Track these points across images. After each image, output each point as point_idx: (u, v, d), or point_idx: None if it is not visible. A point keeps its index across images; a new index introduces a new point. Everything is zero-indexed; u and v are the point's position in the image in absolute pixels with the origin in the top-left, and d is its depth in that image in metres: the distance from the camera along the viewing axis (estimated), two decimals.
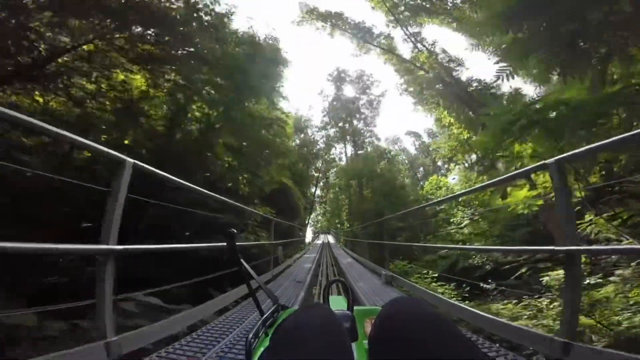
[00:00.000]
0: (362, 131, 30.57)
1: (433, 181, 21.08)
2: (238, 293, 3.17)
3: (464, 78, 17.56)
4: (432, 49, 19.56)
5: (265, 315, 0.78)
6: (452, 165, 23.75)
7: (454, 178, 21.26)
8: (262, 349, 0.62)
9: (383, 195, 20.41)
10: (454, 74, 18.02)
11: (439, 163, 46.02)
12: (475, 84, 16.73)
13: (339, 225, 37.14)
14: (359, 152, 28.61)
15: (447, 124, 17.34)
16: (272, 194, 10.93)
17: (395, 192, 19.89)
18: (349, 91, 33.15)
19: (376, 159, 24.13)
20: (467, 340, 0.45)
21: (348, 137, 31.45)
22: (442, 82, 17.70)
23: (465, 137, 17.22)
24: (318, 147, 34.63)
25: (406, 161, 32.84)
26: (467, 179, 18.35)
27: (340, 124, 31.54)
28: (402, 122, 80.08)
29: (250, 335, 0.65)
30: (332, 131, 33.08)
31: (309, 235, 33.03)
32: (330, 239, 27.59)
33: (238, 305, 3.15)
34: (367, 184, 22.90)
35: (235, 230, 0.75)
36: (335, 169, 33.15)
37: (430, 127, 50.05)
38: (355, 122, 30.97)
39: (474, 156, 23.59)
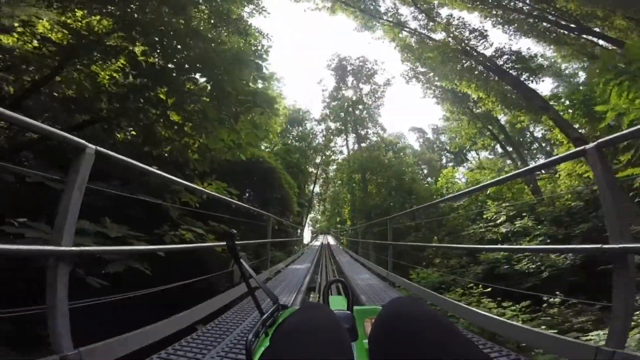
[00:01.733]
0: (366, 122, 27.77)
1: (448, 174, 18.44)
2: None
3: (488, 52, 15.07)
4: (450, 21, 17.04)
5: (265, 316, 0.75)
6: (474, 153, 21.17)
7: (472, 170, 18.71)
8: (262, 349, 0.61)
9: (391, 189, 17.77)
10: (479, 48, 15.52)
11: (444, 161, 43.61)
12: (506, 56, 14.19)
13: (339, 226, 34.46)
14: (362, 144, 25.91)
15: (476, 99, 14.64)
16: (251, 176, 8.27)
17: (405, 186, 17.22)
18: (350, 80, 30.51)
19: (382, 149, 21.46)
20: (466, 340, 0.44)
21: (350, 129, 28.71)
22: (464, 54, 15.16)
23: (501, 114, 14.55)
24: (317, 141, 32.06)
25: (411, 156, 30.15)
26: (493, 165, 15.71)
27: (342, 114, 28.81)
28: (405, 120, 77.90)
29: (250, 336, 0.61)
30: (333, 125, 30.46)
31: (307, 236, 30.40)
32: (331, 240, 24.92)
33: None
34: (371, 178, 20.22)
35: (235, 231, 0.74)
36: (336, 162, 30.44)
37: (434, 123, 47.80)
38: (357, 112, 28.23)
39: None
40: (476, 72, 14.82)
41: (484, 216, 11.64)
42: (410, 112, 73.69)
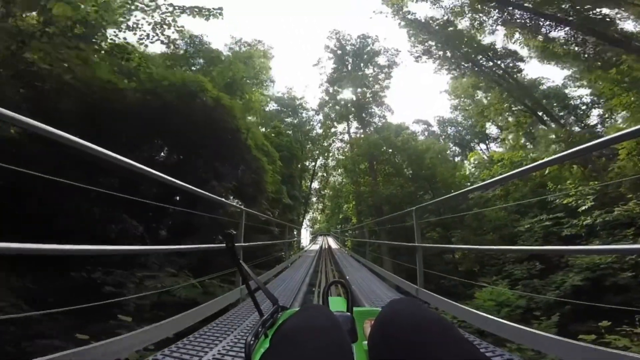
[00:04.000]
0: (369, 102, 24.11)
1: (475, 158, 14.98)
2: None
3: None
4: None
5: (265, 317, 0.72)
6: (505, 134, 17.73)
7: (497, 152, 15.38)
8: (262, 350, 0.59)
9: (408, 177, 14.31)
10: None
11: (451, 154, 40.44)
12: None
13: (339, 226, 31.02)
14: (367, 130, 22.34)
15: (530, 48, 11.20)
16: (183, 128, 4.68)
17: (425, 172, 13.74)
18: (351, 62, 27.11)
19: (392, 130, 18.01)
20: (466, 342, 0.44)
21: (352, 116, 25.17)
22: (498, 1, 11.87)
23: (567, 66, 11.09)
24: (315, 132, 28.65)
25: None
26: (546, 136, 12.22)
27: (342, 100, 25.37)
28: (408, 113, 74.76)
29: (250, 337, 0.58)
30: (332, 114, 27.04)
31: (305, 238, 26.75)
32: (332, 243, 21.35)
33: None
34: (380, 167, 16.70)
35: (234, 232, 0.73)
36: (336, 150, 26.99)
37: (440, 114, 44.80)
38: (360, 95, 24.72)
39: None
40: (518, 22, 11.58)
41: (562, 202, 8.17)
42: (413, 105, 70.40)
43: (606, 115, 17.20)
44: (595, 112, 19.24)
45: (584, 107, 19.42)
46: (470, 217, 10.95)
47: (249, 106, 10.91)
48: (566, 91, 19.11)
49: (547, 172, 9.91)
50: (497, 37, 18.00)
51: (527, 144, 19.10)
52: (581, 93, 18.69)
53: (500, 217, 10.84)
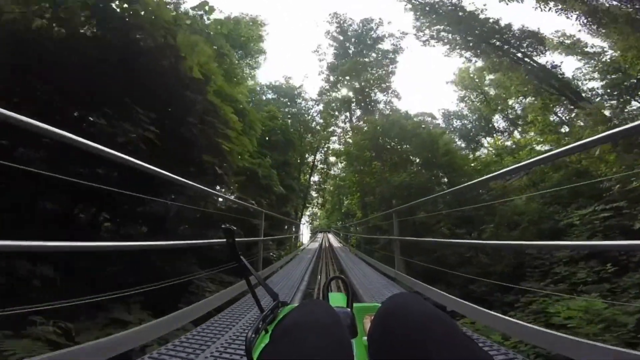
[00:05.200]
0: (371, 87, 22.37)
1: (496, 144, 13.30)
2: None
3: None
4: None
5: (265, 312, 0.72)
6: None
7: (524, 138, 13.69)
8: (262, 345, 0.58)
9: (424, 163, 12.69)
10: None
11: (456, 147, 38.90)
12: None
13: (339, 222, 29.50)
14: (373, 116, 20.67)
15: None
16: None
17: (440, 160, 12.07)
18: (353, 48, 25.44)
19: (402, 116, 16.32)
20: (466, 338, 0.43)
21: (354, 104, 23.46)
22: None
23: None
24: (315, 122, 26.98)
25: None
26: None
27: (345, 84, 23.63)
28: (412, 106, 73.24)
29: (250, 332, 0.58)
30: (332, 99, 25.36)
31: (303, 235, 25.07)
32: (333, 240, 19.72)
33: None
34: (388, 157, 15.00)
35: (234, 227, 0.70)
36: (338, 136, 25.34)
37: (446, 107, 43.09)
38: (363, 83, 23.00)
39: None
40: None
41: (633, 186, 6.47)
42: (416, 98, 68.80)
43: (619, 108, 15.89)
44: (607, 105, 18.18)
45: (597, 99, 18.21)
46: (500, 210, 9.28)
47: (231, 72, 9.02)
48: (579, 83, 18.03)
49: (596, 152, 8.24)
50: (525, 6, 16.48)
51: (535, 135, 17.68)
52: (593, 85, 17.64)
53: (536, 210, 9.16)
